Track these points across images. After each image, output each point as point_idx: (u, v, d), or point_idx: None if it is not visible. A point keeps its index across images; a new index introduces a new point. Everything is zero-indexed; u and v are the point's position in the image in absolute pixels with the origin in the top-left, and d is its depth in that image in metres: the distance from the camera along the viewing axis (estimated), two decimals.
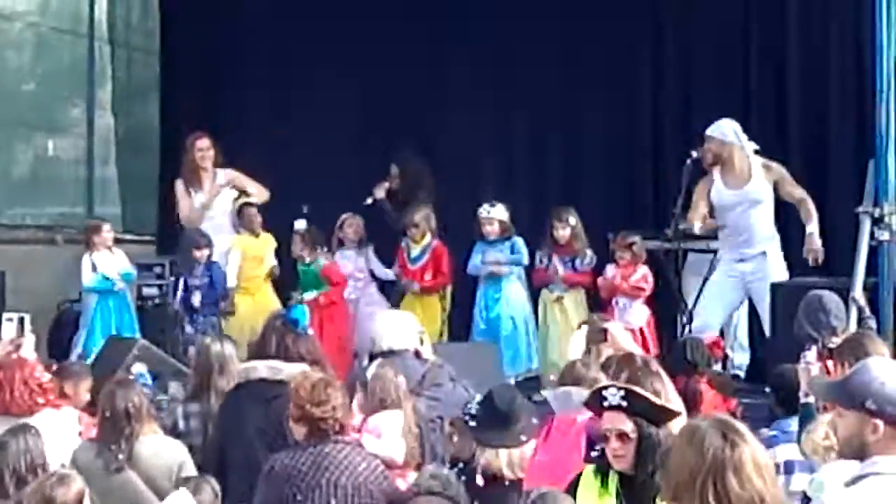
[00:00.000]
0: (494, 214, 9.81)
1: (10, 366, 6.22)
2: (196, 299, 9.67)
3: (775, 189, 8.75)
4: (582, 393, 5.57)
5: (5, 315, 6.89)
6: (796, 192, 8.87)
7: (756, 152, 8.81)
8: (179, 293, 9.71)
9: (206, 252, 9.80)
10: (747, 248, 8.69)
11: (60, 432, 5.83)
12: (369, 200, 10.50)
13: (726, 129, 8.75)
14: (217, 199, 10.24)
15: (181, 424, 6.24)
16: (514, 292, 9.85)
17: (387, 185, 10.56)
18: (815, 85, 10.57)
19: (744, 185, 8.64)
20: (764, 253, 8.68)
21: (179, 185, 10.33)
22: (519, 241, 9.86)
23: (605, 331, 6.41)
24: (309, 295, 9.83)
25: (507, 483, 5.17)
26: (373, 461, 5.33)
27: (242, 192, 10.33)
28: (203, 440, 6.20)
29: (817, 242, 8.74)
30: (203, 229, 10.04)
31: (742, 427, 3.41)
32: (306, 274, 10.09)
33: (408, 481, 5.57)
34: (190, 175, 10.23)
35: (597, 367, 5.89)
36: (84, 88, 12.90)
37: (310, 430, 5.29)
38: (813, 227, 8.74)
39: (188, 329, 9.63)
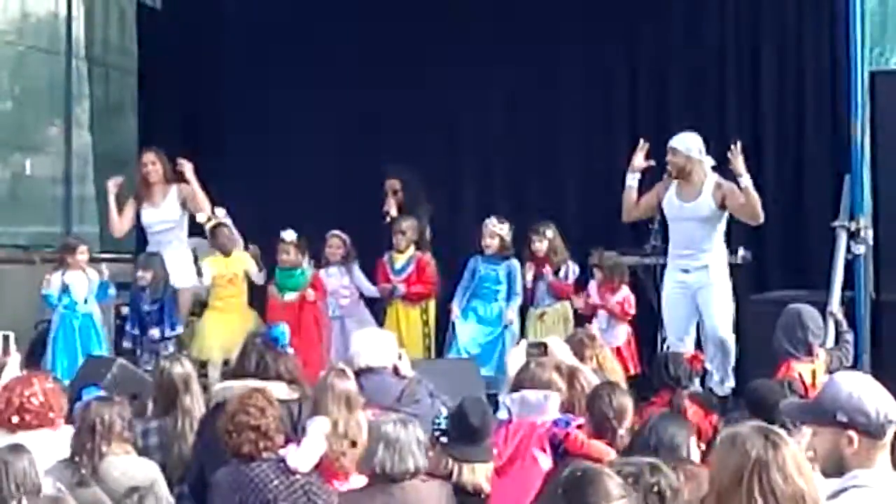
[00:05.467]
0: (499, 230, 9.73)
1: (24, 379, 6.06)
2: (155, 332, 9.66)
3: (727, 205, 8.72)
4: (539, 395, 5.63)
5: None
6: (742, 196, 8.72)
7: (714, 168, 8.84)
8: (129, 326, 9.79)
9: (148, 274, 9.76)
10: (691, 261, 8.73)
11: (59, 451, 5.78)
12: (388, 218, 10.37)
13: (691, 144, 8.78)
14: (169, 212, 10.17)
15: (140, 442, 6.20)
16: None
17: (394, 200, 10.43)
18: (790, 100, 10.65)
19: (692, 201, 8.69)
20: (706, 266, 8.71)
21: (130, 202, 10.31)
22: (516, 268, 9.75)
23: (544, 345, 6.47)
24: (291, 296, 9.85)
25: (481, 496, 5.18)
26: (289, 477, 5.29)
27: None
28: (166, 458, 6.17)
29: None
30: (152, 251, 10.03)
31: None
32: (292, 279, 10.03)
33: (349, 485, 5.48)
34: (141, 190, 10.23)
35: (551, 369, 5.89)
36: (62, 107, 12.84)
37: (235, 446, 5.33)
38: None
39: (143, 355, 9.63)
